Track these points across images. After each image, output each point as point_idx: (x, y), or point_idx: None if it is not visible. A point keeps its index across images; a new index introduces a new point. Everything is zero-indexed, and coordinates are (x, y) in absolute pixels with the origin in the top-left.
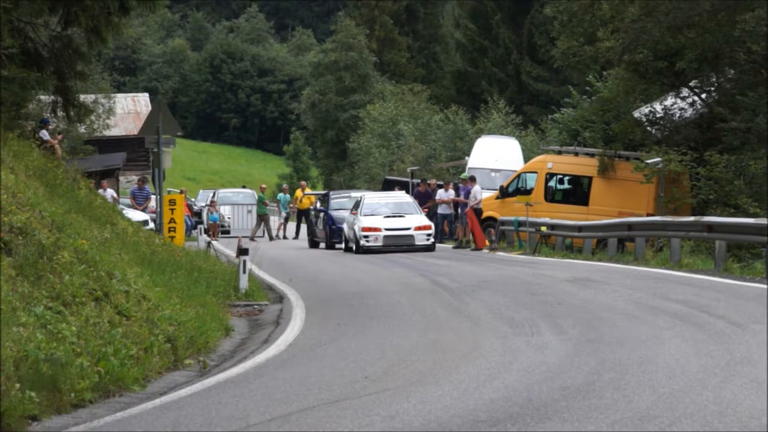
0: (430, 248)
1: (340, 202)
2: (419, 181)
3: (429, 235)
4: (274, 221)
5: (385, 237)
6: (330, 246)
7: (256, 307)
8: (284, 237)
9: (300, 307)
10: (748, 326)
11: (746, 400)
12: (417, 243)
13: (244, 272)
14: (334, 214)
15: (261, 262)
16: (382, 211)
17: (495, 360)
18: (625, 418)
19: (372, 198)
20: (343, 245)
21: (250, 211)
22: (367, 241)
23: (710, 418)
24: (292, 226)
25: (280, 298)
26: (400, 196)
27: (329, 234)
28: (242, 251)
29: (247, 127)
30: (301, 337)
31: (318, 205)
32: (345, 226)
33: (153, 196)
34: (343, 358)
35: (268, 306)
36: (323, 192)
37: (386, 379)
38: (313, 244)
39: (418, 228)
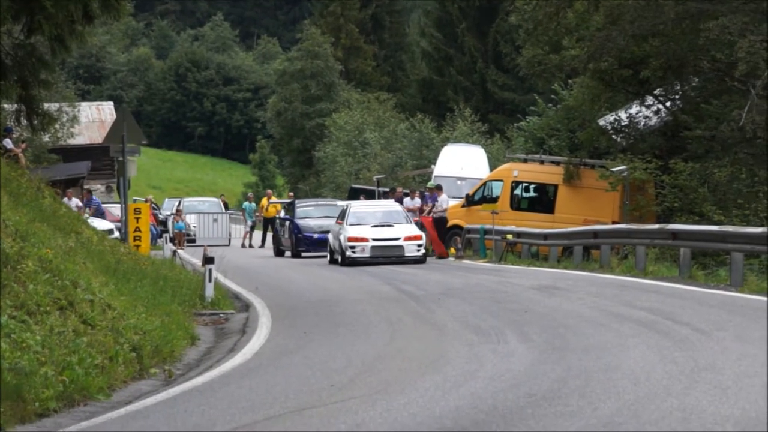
0: (420, 260)
1: (306, 210)
2: (388, 189)
3: (420, 245)
4: (240, 230)
5: (373, 248)
6: (296, 255)
7: (222, 315)
8: (250, 245)
9: (266, 316)
10: (713, 333)
11: (710, 406)
12: (407, 254)
13: (210, 281)
14: (300, 222)
15: (227, 270)
16: (370, 220)
17: (461, 368)
18: (590, 425)
19: (359, 206)
20: (328, 257)
21: (215, 220)
22: (354, 252)
23: (675, 424)
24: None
25: (246, 306)
26: (389, 205)
27: (295, 242)
28: (208, 260)
29: (213, 136)
30: (267, 345)
31: (283, 213)
32: (330, 237)
33: (103, 206)
34: (309, 367)
35: (234, 314)
36: (289, 200)
37: (352, 388)
38: (279, 252)
39: (408, 238)
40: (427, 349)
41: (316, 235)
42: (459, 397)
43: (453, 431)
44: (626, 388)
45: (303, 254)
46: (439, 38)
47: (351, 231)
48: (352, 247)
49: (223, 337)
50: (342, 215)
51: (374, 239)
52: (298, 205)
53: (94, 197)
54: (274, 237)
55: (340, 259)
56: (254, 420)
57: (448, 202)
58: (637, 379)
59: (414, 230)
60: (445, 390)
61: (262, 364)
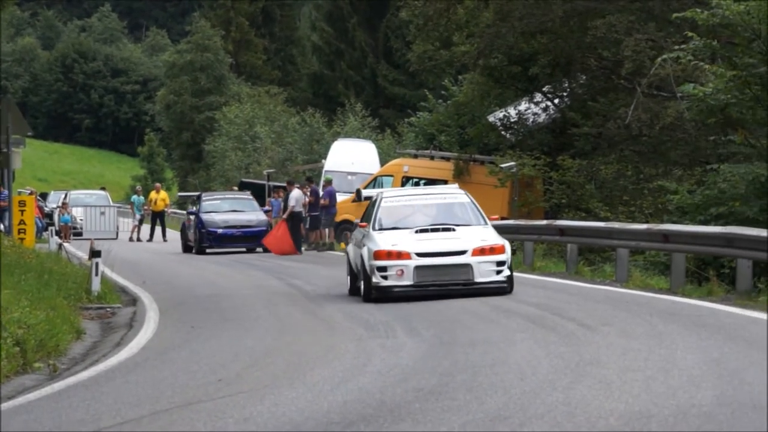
0: (503, 289)
1: (213, 204)
2: (299, 184)
3: (501, 263)
4: (128, 223)
5: (418, 269)
6: (200, 251)
7: (108, 309)
8: (138, 239)
9: (154, 310)
10: (598, 328)
11: (595, 400)
12: (478, 279)
13: (97, 274)
14: (204, 216)
15: (114, 264)
16: (415, 220)
17: (349, 362)
18: (476, 419)
19: (396, 198)
20: (348, 283)
21: (103, 213)
22: (386, 278)
23: (560, 418)
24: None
25: (134, 300)
26: (449, 193)
27: (199, 238)
28: (94, 253)
29: (101, 128)
30: (155, 339)
31: (192, 207)
32: (349, 250)
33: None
34: (196, 361)
35: (121, 309)
36: (197, 193)
37: (240, 382)
38: (187, 248)
39: (480, 252)
40: (316, 344)
41: (220, 231)
42: (347, 391)
43: (340, 425)
44: (513, 382)
45: (208, 251)
46: (329, 32)
47: (381, 241)
48: (382, 269)
49: (110, 332)
50: (367, 213)
51: (420, 254)
52: (204, 198)
53: (4, 191)
54: (181, 232)
55: (362, 289)
56: (140, 415)
57: (297, 200)
58: (523, 373)
59: (490, 236)
60: (334, 384)
61: (148, 359)
